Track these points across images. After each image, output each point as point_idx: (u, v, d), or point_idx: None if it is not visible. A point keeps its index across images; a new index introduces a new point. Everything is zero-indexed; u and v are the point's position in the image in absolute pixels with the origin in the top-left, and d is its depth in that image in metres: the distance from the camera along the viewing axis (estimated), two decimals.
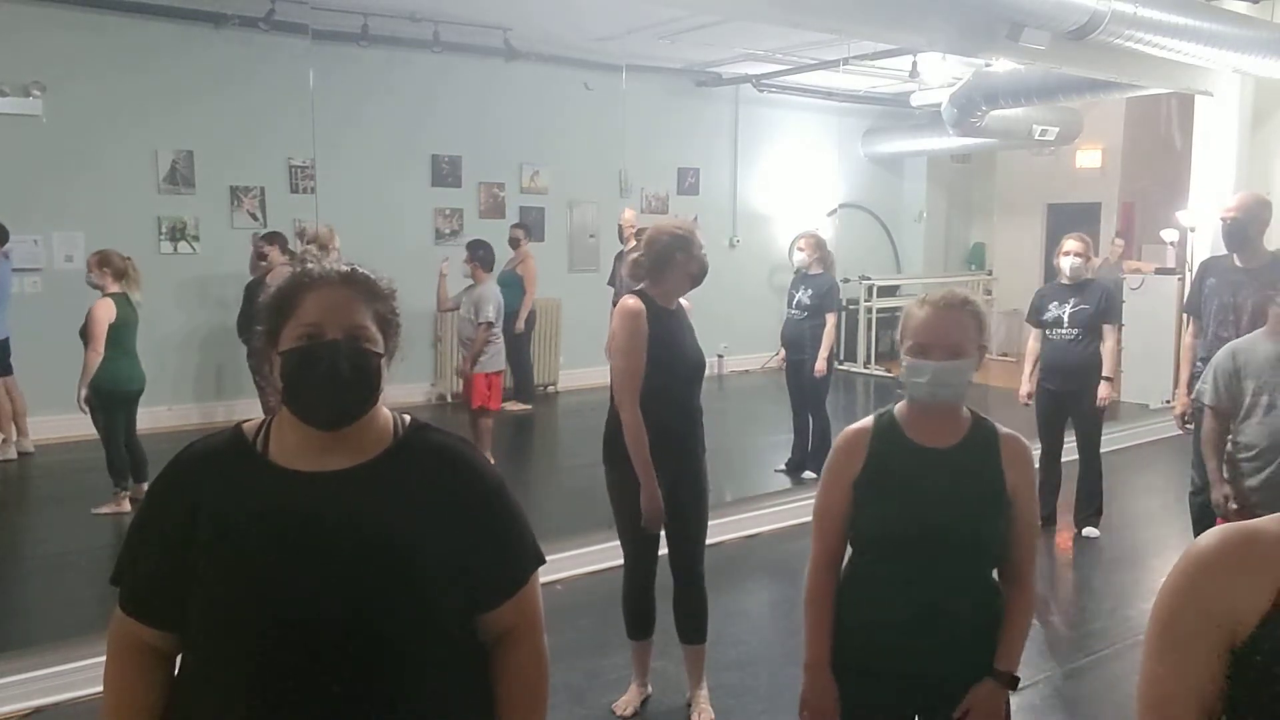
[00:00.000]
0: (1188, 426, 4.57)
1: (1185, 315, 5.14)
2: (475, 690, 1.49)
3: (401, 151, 8.77)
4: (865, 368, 11.02)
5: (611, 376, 3.26)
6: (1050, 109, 9.92)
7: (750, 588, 4.85)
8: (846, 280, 9.77)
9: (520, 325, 8.25)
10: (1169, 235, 9.16)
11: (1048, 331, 5.31)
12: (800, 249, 6.59)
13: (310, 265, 1.48)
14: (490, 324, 6.22)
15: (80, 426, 5.82)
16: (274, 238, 6.94)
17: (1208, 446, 3.51)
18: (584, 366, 9.07)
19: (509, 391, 7.93)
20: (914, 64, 8.79)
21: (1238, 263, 4.70)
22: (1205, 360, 4.23)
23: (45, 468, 6.79)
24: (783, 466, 6.76)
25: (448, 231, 9.13)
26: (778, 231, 11.11)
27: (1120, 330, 5.51)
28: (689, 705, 3.47)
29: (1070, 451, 5.51)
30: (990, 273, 12.64)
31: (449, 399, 8.76)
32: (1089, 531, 5.44)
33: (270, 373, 1.45)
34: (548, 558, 1.59)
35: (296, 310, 1.43)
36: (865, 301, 11.08)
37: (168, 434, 5.87)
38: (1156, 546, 5.43)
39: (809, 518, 2.14)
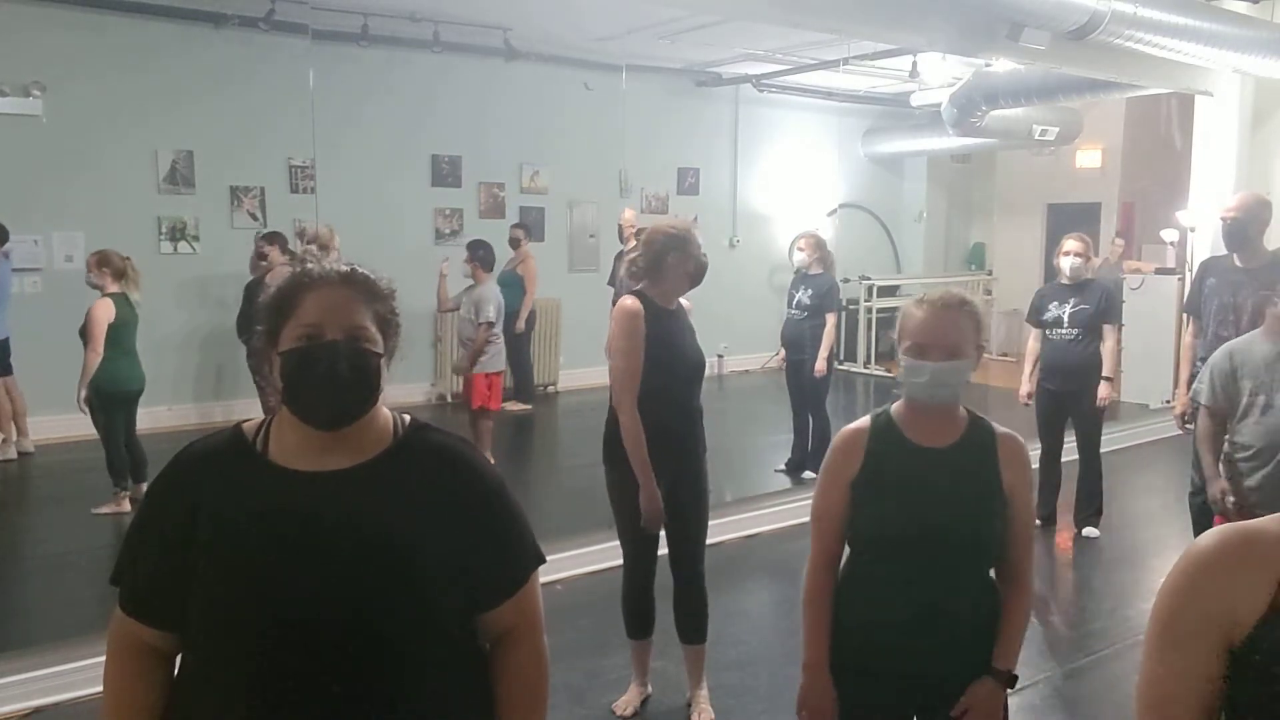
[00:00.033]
0: (1188, 426, 4.56)
1: (1185, 315, 5.14)
2: (475, 690, 1.49)
3: (401, 151, 8.77)
4: (865, 368, 11.02)
5: (610, 377, 3.26)
6: (1050, 109, 9.92)
7: (750, 588, 4.85)
8: (846, 280, 9.78)
9: (520, 325, 8.25)
10: (1169, 235, 9.16)
11: (1048, 331, 5.32)
12: (800, 249, 6.59)
13: (310, 265, 1.48)
14: (491, 324, 6.23)
15: (80, 426, 5.82)
16: (274, 238, 6.95)
17: (1203, 444, 3.51)
18: (584, 366, 9.07)
19: (509, 391, 7.93)
20: (914, 64, 8.79)
21: (1238, 263, 4.70)
22: (1205, 360, 4.23)
23: (45, 468, 6.79)
24: (783, 466, 6.76)
25: (448, 231, 9.13)
26: (778, 231, 11.11)
27: (1120, 330, 5.51)
28: (689, 705, 3.47)
29: (1070, 451, 5.51)
30: (990, 273, 12.64)
31: (449, 399, 8.76)
32: (1089, 531, 5.44)
33: (270, 373, 1.45)
34: (548, 558, 1.59)
35: (296, 310, 1.43)
36: (865, 301, 11.08)
37: (167, 434, 5.87)
38: (1156, 546, 5.43)
39: (809, 518, 2.15)
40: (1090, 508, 5.47)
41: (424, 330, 8.55)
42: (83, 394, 5.32)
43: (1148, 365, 8.69)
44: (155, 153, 7.74)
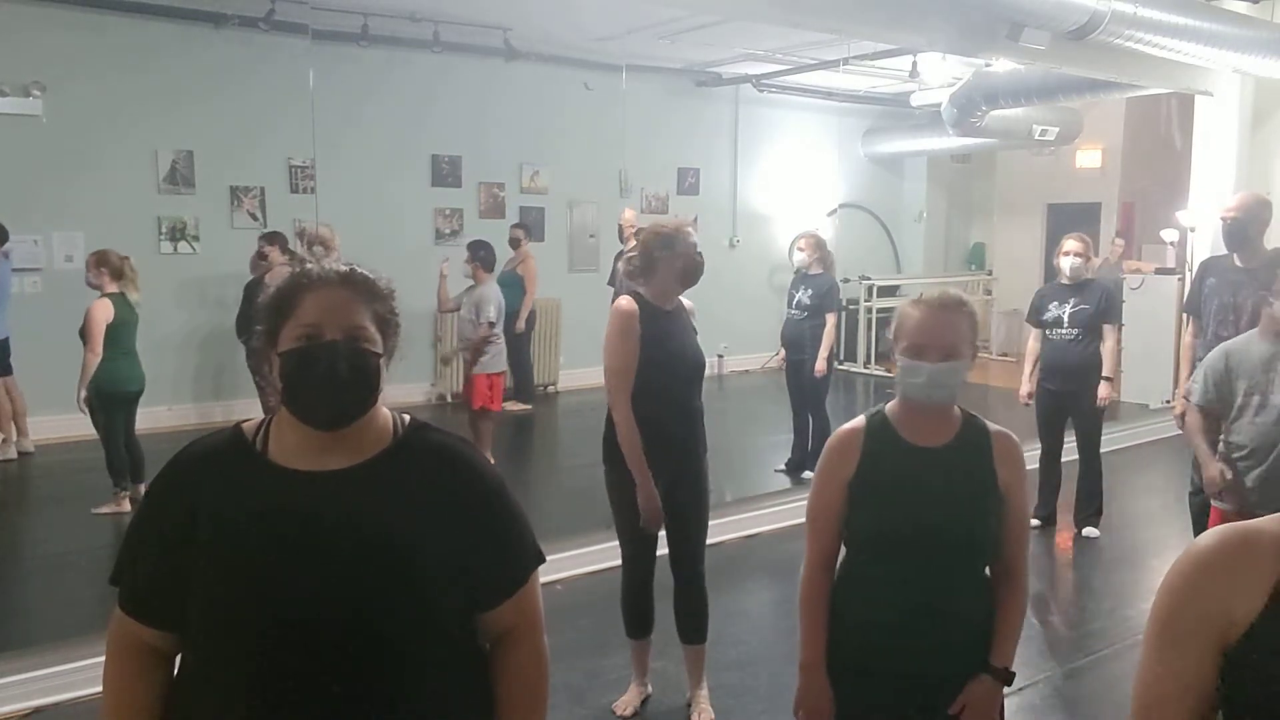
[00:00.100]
0: None
1: (1185, 315, 5.14)
2: (475, 690, 1.49)
3: (401, 151, 8.77)
4: (865, 368, 11.02)
5: (604, 376, 3.26)
6: (1050, 109, 9.92)
7: (750, 588, 4.85)
8: (846, 280, 9.77)
9: (520, 325, 8.26)
10: (1169, 235, 9.16)
11: (1048, 331, 5.32)
12: (800, 249, 6.59)
13: (309, 265, 1.48)
14: (492, 324, 6.22)
15: (80, 426, 5.82)
16: (274, 238, 6.96)
17: (1194, 434, 3.49)
18: (584, 366, 9.07)
19: (509, 391, 7.93)
20: (914, 64, 8.79)
21: (1238, 263, 4.70)
22: None
23: (45, 468, 6.79)
24: (783, 466, 6.76)
25: (448, 231, 9.14)
26: (778, 231, 11.12)
27: (1120, 330, 5.51)
28: (689, 705, 3.47)
29: (1070, 451, 5.51)
30: (990, 273, 12.64)
31: (449, 399, 8.77)
32: (1089, 531, 5.44)
33: (270, 373, 1.45)
34: (548, 558, 1.59)
35: (295, 311, 1.43)
36: (865, 301, 11.07)
37: (167, 434, 5.87)
38: (1156, 546, 5.43)
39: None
40: (1090, 508, 5.47)
41: (424, 330, 8.55)
42: (82, 394, 5.32)
43: (1148, 365, 8.69)
44: (155, 153, 7.74)
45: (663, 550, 3.39)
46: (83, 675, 3.43)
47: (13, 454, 6.83)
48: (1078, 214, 11.16)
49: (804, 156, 11.42)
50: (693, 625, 3.41)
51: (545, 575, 1.60)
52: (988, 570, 2.08)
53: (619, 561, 3.44)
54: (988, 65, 8.21)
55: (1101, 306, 5.20)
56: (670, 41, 8.61)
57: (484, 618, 1.49)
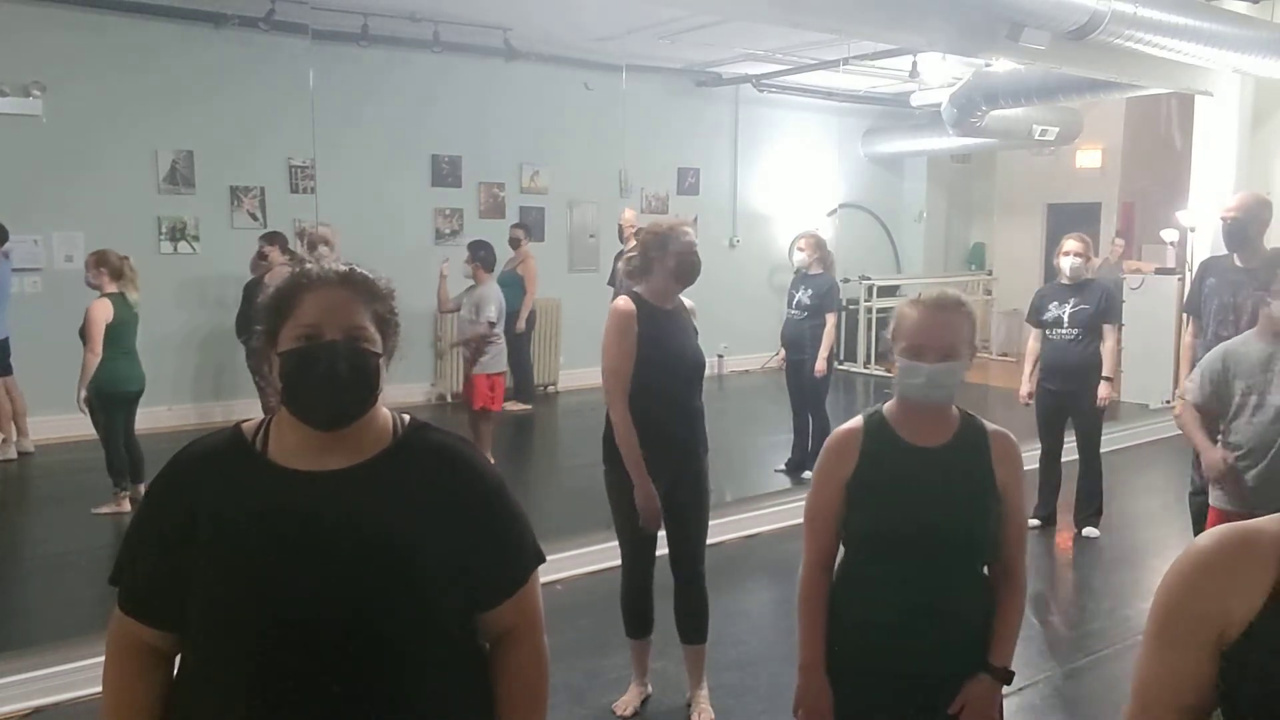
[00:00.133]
0: None
1: (1185, 315, 5.14)
2: (475, 690, 1.49)
3: (401, 151, 8.77)
4: (865, 368, 11.02)
5: (601, 376, 3.26)
6: (1050, 109, 9.92)
7: (750, 588, 4.85)
8: (846, 280, 9.78)
9: (521, 325, 8.26)
10: (1169, 235, 9.16)
11: (1048, 331, 5.32)
12: (800, 249, 6.59)
13: (309, 265, 1.48)
14: (492, 324, 6.22)
15: (80, 426, 5.82)
16: (274, 238, 6.95)
17: (1190, 428, 3.46)
18: (584, 366, 9.05)
19: (509, 392, 7.93)
20: (914, 64, 8.80)
21: (1238, 263, 4.70)
22: None
23: (45, 468, 6.79)
24: (783, 466, 6.76)
25: (448, 231, 9.14)
26: (778, 231, 11.12)
27: (1120, 330, 5.51)
28: (689, 705, 3.47)
29: (1070, 451, 5.51)
30: (990, 273, 12.64)
31: (449, 399, 8.77)
32: (1089, 531, 5.44)
33: (269, 373, 1.45)
34: (548, 558, 1.59)
35: (295, 311, 1.43)
36: (865, 301, 11.07)
37: (167, 434, 5.87)
38: (1156, 546, 5.43)
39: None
40: (1090, 508, 5.47)
41: (424, 330, 8.54)
42: (82, 394, 5.32)
43: (1148, 365, 8.69)
44: (155, 153, 7.74)
45: (663, 550, 3.39)
46: (83, 675, 3.43)
47: (13, 454, 6.84)
48: (1078, 214, 11.16)
49: (804, 156, 11.42)
50: (693, 625, 3.41)
51: (545, 575, 1.60)
52: (986, 570, 2.08)
53: (619, 561, 3.44)
54: (988, 65, 8.21)
55: (1101, 306, 5.20)
56: (670, 41, 8.61)
57: (484, 618, 1.49)
